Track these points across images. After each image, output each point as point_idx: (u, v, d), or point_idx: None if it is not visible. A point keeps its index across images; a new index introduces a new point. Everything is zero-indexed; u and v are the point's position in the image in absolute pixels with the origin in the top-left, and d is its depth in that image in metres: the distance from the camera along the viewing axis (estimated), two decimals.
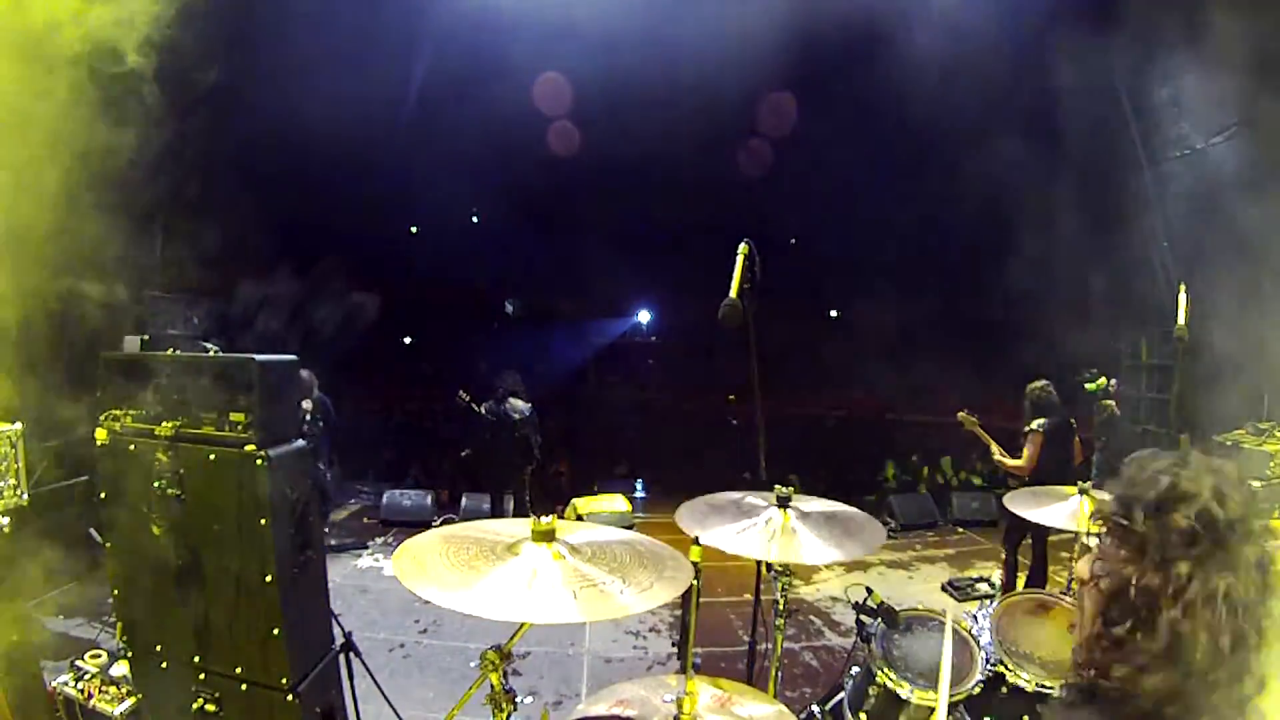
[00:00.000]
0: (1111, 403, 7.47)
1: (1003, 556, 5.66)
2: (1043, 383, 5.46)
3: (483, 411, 7.29)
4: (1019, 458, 5.27)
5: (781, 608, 2.78)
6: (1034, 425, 5.23)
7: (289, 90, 5.95)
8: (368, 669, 3.00)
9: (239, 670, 2.51)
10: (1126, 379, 8.32)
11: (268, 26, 6.17)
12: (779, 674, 2.86)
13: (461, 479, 9.50)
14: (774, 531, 2.52)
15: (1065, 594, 2.81)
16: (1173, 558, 1.02)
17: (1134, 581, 1.05)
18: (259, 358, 2.53)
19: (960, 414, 5.89)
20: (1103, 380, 7.32)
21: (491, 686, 1.93)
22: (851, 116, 9.04)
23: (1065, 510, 3.07)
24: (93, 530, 5.42)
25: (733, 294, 2.52)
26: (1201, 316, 6.45)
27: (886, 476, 11.14)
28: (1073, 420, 5.44)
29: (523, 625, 1.89)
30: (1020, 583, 5.52)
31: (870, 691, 2.54)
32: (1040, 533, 5.28)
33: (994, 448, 5.55)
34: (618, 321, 18.91)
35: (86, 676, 3.05)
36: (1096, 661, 1.10)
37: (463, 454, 8.85)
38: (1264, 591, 1.02)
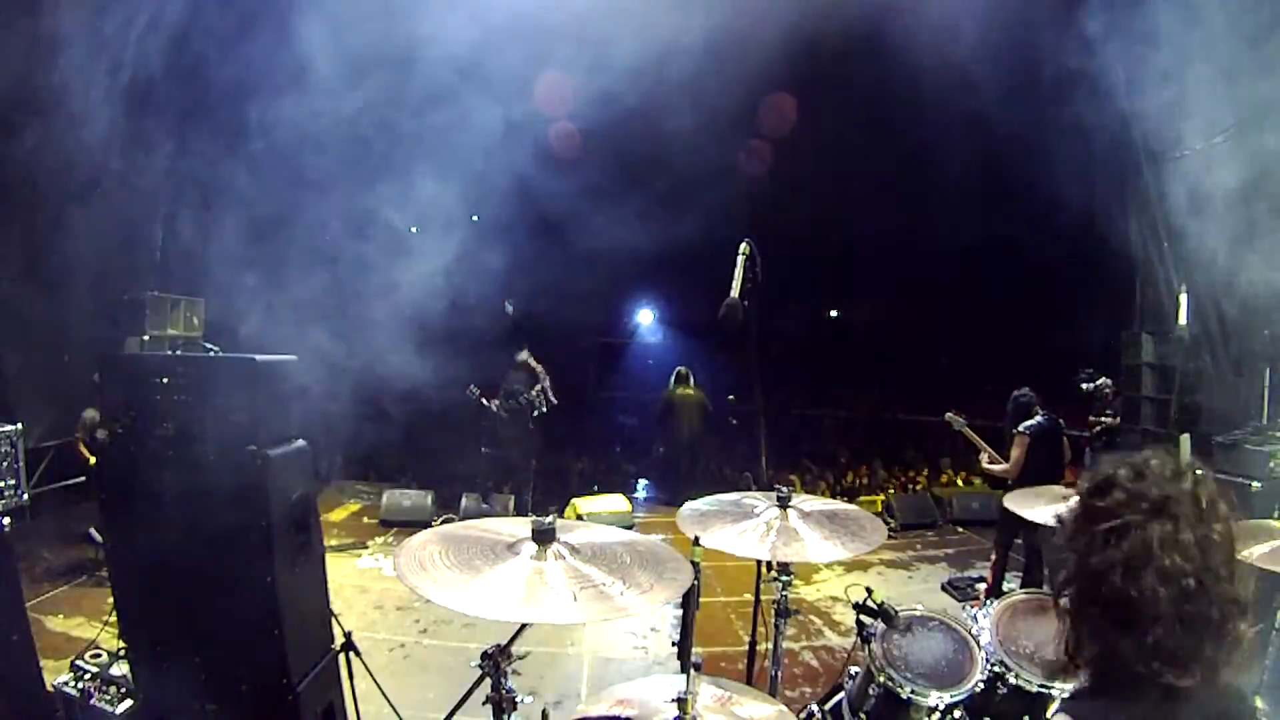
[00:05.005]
0: (1110, 415, 7.44)
1: (993, 557, 5.66)
2: (1024, 389, 5.53)
3: (494, 409, 7.38)
4: (1007, 461, 5.31)
5: (783, 607, 2.78)
6: (1020, 428, 5.25)
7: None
8: (368, 669, 3.00)
9: (239, 670, 2.51)
10: (1126, 379, 8.30)
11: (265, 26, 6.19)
12: (779, 674, 2.86)
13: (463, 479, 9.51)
14: (774, 531, 2.52)
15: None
16: (1100, 535, 1.11)
17: (1083, 572, 1.14)
18: (259, 358, 2.54)
19: (948, 414, 5.88)
20: (1102, 380, 7.30)
21: (492, 686, 1.93)
22: (846, 115, 9.06)
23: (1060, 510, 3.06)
24: (93, 530, 5.43)
25: (734, 294, 2.53)
26: (1201, 317, 6.46)
27: None
28: (1061, 421, 5.46)
29: (522, 625, 1.89)
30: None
31: (870, 691, 2.53)
32: (1032, 534, 5.30)
33: (984, 453, 5.56)
34: (618, 322, 18.93)
35: (86, 676, 3.05)
36: (1084, 654, 1.18)
37: (483, 450, 8.90)
38: (1212, 533, 1.08)
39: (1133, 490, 1.11)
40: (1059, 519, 1.23)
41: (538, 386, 7.65)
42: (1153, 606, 1.05)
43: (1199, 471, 1.14)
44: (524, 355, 7.65)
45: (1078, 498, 1.20)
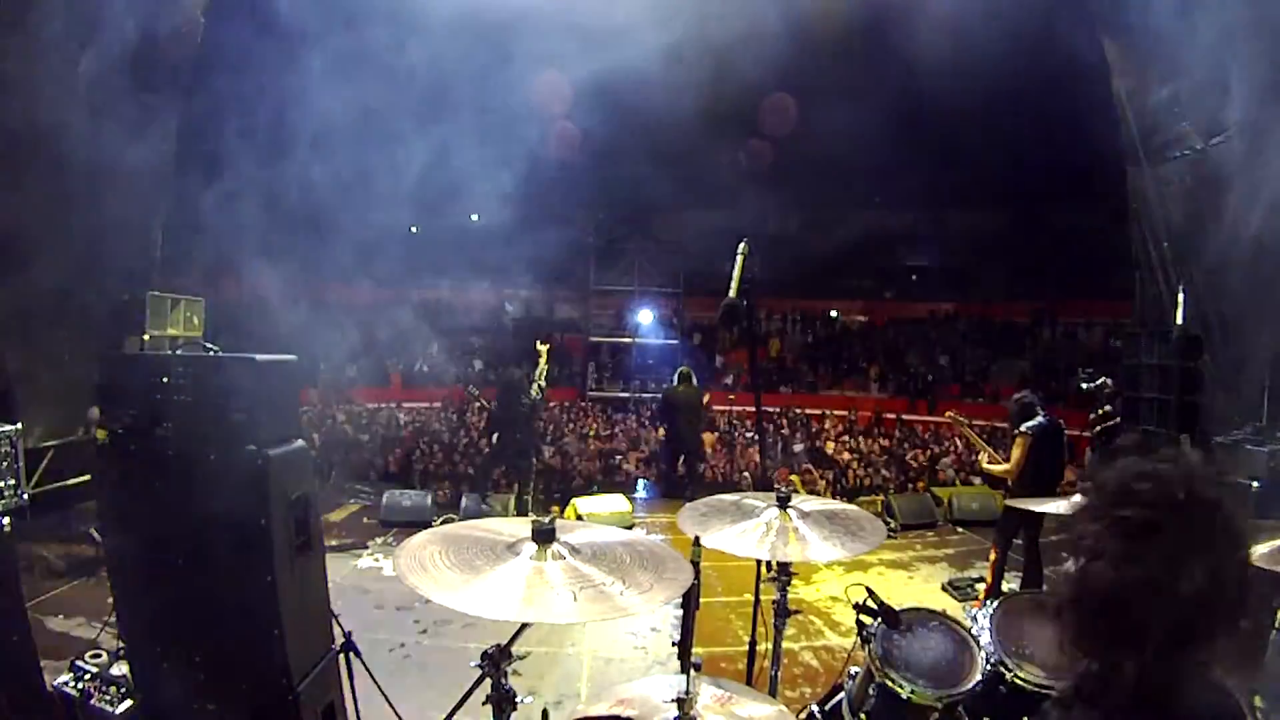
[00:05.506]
0: (1109, 409, 7.42)
1: (993, 556, 5.66)
2: (1024, 391, 5.57)
3: (492, 408, 7.43)
4: (1007, 461, 5.33)
5: (783, 607, 2.78)
6: (1021, 428, 5.27)
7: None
8: (368, 669, 2.99)
9: (239, 670, 2.51)
10: (1126, 379, 8.29)
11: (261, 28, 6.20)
12: (779, 674, 2.86)
13: (463, 478, 9.54)
14: (774, 531, 2.52)
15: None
16: (1129, 548, 1.09)
17: (1103, 579, 1.10)
18: (259, 358, 2.53)
19: (949, 414, 5.90)
20: (1102, 380, 7.29)
21: (492, 686, 1.93)
22: (843, 114, 9.08)
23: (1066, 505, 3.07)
24: (93, 530, 5.43)
25: (733, 293, 2.53)
26: (1201, 317, 6.47)
27: None
28: (1061, 421, 5.47)
29: (522, 625, 1.89)
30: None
31: (870, 691, 2.53)
32: (1033, 534, 5.31)
33: (984, 453, 5.57)
34: (618, 322, 18.92)
35: (86, 676, 3.04)
36: (1089, 661, 1.15)
37: (484, 450, 8.99)
38: (1230, 549, 1.09)
39: (1151, 496, 1.11)
40: (1070, 518, 1.22)
41: (535, 384, 7.67)
42: (1172, 610, 1.05)
43: (1209, 475, 1.13)
44: (542, 348, 7.78)
45: (1089, 500, 1.18)
